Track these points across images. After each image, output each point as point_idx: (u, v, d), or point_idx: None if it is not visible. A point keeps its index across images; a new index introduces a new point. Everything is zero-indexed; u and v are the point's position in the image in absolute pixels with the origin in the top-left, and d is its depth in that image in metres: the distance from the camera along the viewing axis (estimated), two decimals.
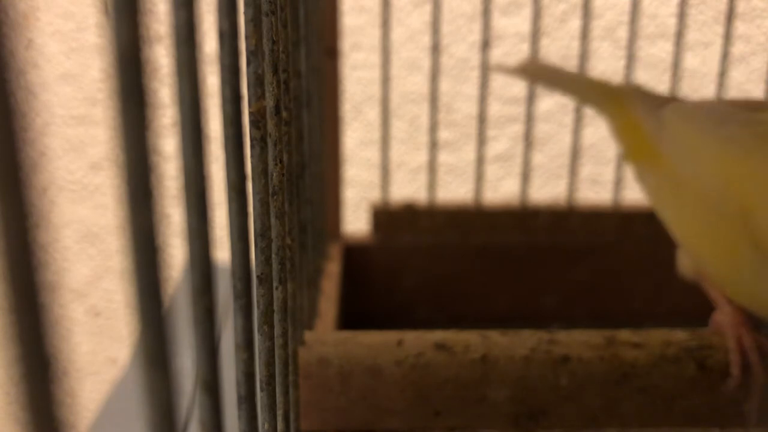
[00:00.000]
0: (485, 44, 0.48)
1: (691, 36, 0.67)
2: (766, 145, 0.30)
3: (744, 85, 0.68)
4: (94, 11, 0.67)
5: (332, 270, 0.43)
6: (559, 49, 0.69)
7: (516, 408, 0.31)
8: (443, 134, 0.70)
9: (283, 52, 0.25)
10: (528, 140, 0.50)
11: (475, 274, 0.50)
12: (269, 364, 0.24)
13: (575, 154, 0.50)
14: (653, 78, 0.68)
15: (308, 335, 0.32)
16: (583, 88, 0.42)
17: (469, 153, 0.70)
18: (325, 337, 0.32)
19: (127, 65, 0.12)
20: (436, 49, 0.48)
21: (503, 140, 0.71)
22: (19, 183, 0.09)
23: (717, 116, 0.33)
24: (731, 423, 0.32)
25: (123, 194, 0.12)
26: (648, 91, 0.39)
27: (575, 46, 0.65)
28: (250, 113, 0.22)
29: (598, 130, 0.69)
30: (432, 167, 0.50)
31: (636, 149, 0.37)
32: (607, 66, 0.69)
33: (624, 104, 0.38)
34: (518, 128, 0.70)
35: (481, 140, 0.50)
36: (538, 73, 0.44)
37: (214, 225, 0.16)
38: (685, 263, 0.35)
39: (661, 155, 0.35)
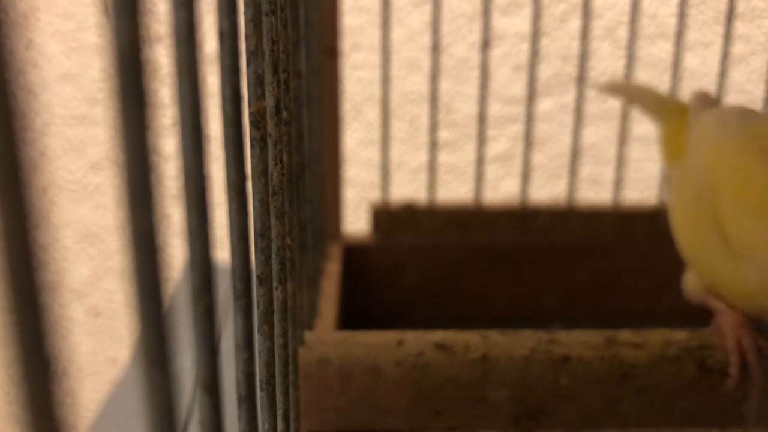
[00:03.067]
0: (485, 44, 0.48)
1: (691, 36, 0.67)
2: (747, 138, 0.32)
3: (744, 85, 0.68)
4: (94, 11, 0.67)
5: (332, 270, 0.43)
6: (559, 49, 0.69)
7: (516, 408, 0.31)
8: (443, 134, 0.70)
9: (283, 52, 0.25)
10: (528, 140, 0.50)
11: (475, 274, 0.50)
12: (269, 364, 0.24)
13: (575, 154, 0.50)
14: (653, 78, 0.68)
15: (308, 335, 0.32)
16: (659, 103, 0.44)
17: (469, 153, 0.70)
18: (325, 337, 0.32)
19: (127, 65, 0.12)
20: (436, 49, 0.48)
21: (503, 140, 0.71)
22: (19, 183, 0.09)
23: (733, 116, 0.35)
24: (731, 423, 0.32)
25: (123, 194, 0.12)
26: (715, 101, 0.41)
27: (575, 46, 0.65)
28: (250, 113, 0.22)
29: (598, 130, 0.69)
30: (432, 167, 0.50)
31: (675, 150, 0.39)
32: (607, 66, 0.69)
33: (684, 113, 0.40)
34: (518, 128, 0.70)
35: (481, 140, 0.50)
36: (625, 92, 0.48)
37: (214, 225, 0.16)
38: (691, 283, 0.35)
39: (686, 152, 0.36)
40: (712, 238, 0.32)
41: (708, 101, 0.40)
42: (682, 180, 0.35)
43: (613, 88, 0.48)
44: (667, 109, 0.42)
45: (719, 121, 0.35)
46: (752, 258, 0.30)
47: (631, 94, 0.47)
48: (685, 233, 0.34)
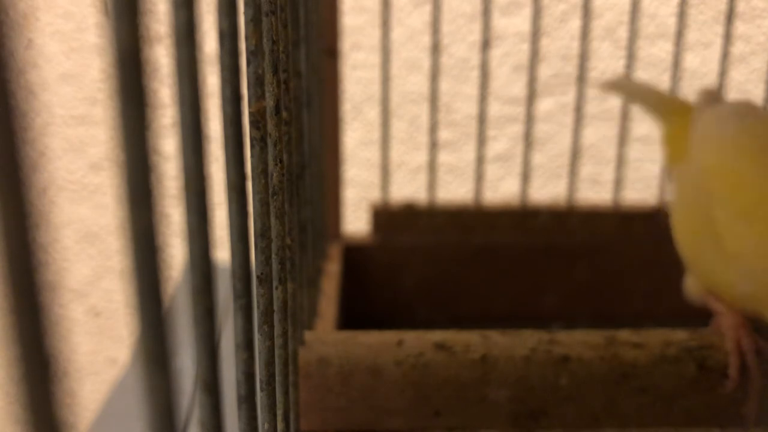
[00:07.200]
0: (485, 44, 0.48)
1: (691, 36, 0.67)
2: (743, 140, 0.32)
3: (744, 85, 0.68)
4: (94, 11, 0.67)
5: (332, 270, 0.43)
6: (559, 49, 0.69)
7: (516, 408, 0.31)
8: (443, 134, 0.70)
9: (283, 52, 0.25)
10: (528, 140, 0.50)
11: (475, 274, 0.50)
12: (269, 364, 0.24)
13: (575, 154, 0.50)
14: (653, 78, 0.68)
15: (308, 335, 0.32)
16: (662, 102, 0.43)
17: (469, 153, 0.70)
18: (325, 337, 0.32)
19: (127, 65, 0.12)
20: (436, 49, 0.48)
21: (503, 140, 0.71)
22: (19, 183, 0.09)
23: (732, 115, 0.34)
24: (731, 423, 0.32)
25: (123, 194, 0.12)
26: (719, 98, 0.40)
27: (575, 46, 0.65)
28: (250, 113, 0.22)
29: (598, 130, 0.69)
30: (432, 167, 0.50)
31: (678, 150, 0.38)
32: (607, 66, 0.69)
33: (687, 112, 0.39)
34: (518, 128, 0.70)
35: (481, 140, 0.50)
36: (627, 89, 0.47)
37: (214, 225, 0.16)
38: (691, 285, 0.35)
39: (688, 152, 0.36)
40: (708, 240, 0.32)
41: (712, 99, 0.39)
42: (682, 181, 0.35)
43: (615, 86, 0.47)
44: (670, 108, 0.41)
45: (719, 122, 0.35)
46: (740, 263, 0.30)
47: (634, 92, 0.46)
48: (683, 234, 0.34)
